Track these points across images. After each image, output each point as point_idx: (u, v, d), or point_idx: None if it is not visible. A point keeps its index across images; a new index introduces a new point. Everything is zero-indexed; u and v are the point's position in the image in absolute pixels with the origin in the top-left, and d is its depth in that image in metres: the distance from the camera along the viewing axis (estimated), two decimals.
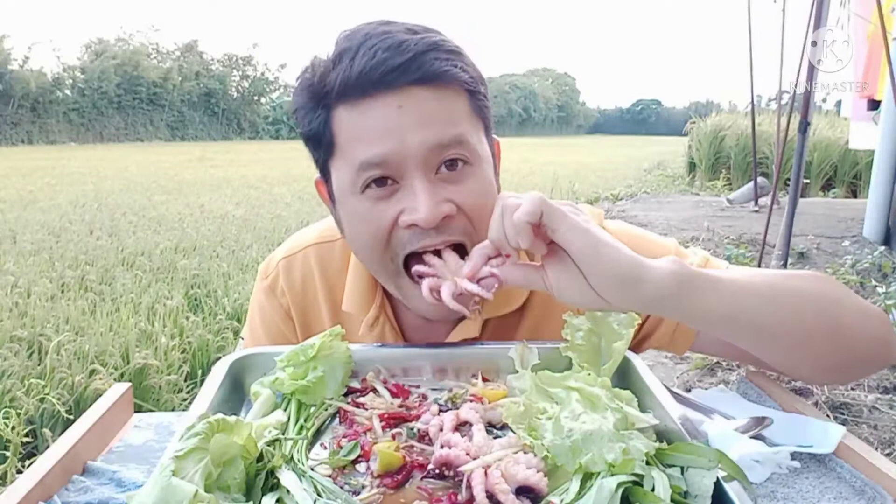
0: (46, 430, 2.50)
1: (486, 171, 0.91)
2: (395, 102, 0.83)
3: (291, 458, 0.69)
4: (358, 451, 0.73)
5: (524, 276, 0.78)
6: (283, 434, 0.74)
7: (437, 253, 0.88)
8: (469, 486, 0.64)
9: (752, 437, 0.86)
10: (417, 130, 0.84)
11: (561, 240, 0.72)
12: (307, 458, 0.71)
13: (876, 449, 0.91)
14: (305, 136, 0.93)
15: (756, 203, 7.89)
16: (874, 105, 5.39)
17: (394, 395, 0.86)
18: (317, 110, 0.89)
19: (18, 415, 2.43)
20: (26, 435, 2.43)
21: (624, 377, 0.85)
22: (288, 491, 0.64)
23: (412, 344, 1.04)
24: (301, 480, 0.66)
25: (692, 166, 13.16)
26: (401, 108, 0.83)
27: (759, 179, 8.07)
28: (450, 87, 0.86)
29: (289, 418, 0.79)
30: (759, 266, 4.31)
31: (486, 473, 0.65)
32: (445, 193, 0.86)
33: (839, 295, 0.85)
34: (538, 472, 0.65)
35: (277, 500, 0.63)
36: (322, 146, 0.91)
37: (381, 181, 0.86)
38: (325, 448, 0.76)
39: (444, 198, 0.86)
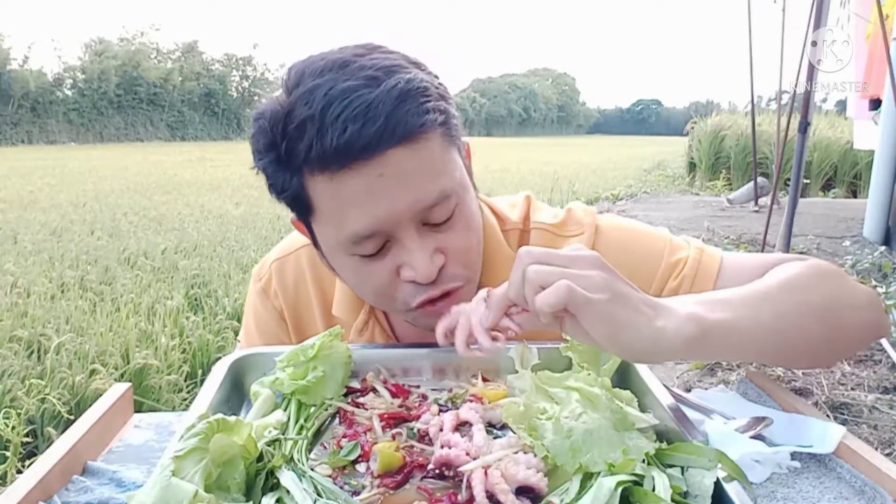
0: (50, 430, 2.50)
1: (467, 202, 0.89)
2: (375, 172, 0.79)
3: (291, 458, 0.69)
4: (358, 451, 0.73)
5: (542, 324, 0.77)
6: (283, 434, 0.74)
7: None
8: (469, 486, 0.64)
9: (752, 437, 0.86)
10: (403, 195, 0.81)
11: (584, 325, 0.69)
12: (307, 458, 0.71)
13: (876, 449, 0.90)
14: (280, 197, 0.88)
15: (756, 203, 7.87)
16: (875, 105, 5.38)
17: (394, 395, 0.86)
18: (287, 174, 0.83)
19: (18, 415, 2.43)
20: (26, 435, 2.43)
21: (624, 377, 0.85)
22: (288, 491, 0.64)
23: (412, 344, 1.04)
24: (301, 480, 0.66)
25: (692, 166, 13.13)
26: (382, 177, 0.80)
27: (759, 179, 8.06)
28: (425, 135, 0.82)
29: (289, 418, 0.79)
30: None
31: (486, 473, 0.65)
32: (434, 243, 0.85)
33: (839, 293, 0.85)
34: (538, 472, 0.65)
35: (277, 501, 0.63)
36: (300, 206, 0.87)
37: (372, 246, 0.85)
38: (325, 448, 0.76)
39: (434, 247, 0.85)
